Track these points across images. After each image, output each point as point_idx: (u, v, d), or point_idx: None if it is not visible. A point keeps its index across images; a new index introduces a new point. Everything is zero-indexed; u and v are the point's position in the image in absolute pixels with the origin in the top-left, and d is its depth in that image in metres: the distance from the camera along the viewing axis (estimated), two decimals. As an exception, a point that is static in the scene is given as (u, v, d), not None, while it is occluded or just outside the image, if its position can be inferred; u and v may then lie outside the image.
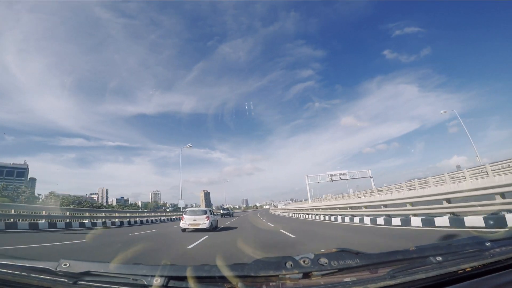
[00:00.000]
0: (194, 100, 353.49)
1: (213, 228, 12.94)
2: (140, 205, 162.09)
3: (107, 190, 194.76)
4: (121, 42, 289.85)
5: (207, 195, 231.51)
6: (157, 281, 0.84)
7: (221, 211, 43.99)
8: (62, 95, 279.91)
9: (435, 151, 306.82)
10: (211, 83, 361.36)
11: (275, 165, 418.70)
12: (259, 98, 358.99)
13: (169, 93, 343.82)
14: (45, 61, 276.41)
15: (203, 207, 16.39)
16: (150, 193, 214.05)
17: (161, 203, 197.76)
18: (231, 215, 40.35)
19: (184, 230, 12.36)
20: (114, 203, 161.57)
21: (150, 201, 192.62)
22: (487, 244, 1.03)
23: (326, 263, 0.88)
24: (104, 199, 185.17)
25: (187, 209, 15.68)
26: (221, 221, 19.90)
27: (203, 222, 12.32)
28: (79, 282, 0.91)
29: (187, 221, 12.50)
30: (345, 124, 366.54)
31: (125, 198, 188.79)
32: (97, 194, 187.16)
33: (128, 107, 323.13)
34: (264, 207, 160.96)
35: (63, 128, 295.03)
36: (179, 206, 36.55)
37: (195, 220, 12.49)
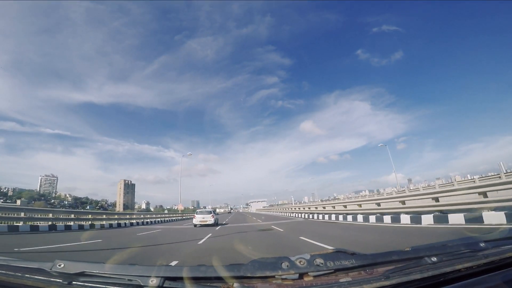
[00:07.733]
0: (151, 94, 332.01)
1: (216, 223, 16.85)
2: (11, 193, 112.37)
3: None
4: (79, 26, 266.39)
5: (128, 187, 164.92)
6: (153, 281, 0.83)
7: None
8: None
9: (378, 166, 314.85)
10: (172, 78, 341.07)
11: (232, 169, 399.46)
12: (221, 100, 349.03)
13: (124, 84, 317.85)
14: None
15: (208, 208, 20.76)
16: (40, 177, 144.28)
17: (55, 194, 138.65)
18: None
19: (195, 225, 16.17)
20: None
21: (38, 189, 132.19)
22: (482, 244, 1.03)
23: (322, 263, 0.87)
24: None
25: (197, 210, 20.26)
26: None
27: (210, 219, 16.35)
28: (74, 282, 0.90)
29: (198, 219, 16.58)
30: (302, 134, 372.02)
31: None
32: None
33: (74, 94, 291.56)
34: (218, 210, 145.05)
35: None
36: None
37: (203, 218, 16.50)
